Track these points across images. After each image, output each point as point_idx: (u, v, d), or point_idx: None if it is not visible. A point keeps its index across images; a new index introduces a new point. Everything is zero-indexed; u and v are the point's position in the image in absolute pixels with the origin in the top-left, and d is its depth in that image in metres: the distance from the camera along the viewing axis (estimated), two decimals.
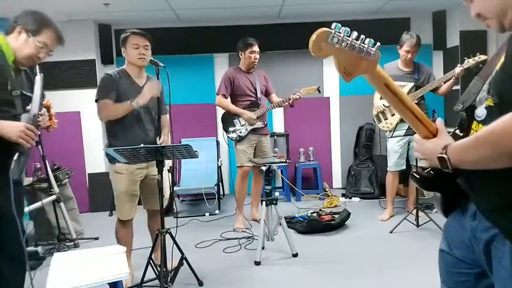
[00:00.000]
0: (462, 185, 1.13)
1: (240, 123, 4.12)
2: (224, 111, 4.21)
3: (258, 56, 4.14)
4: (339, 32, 1.00)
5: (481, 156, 0.97)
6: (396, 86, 1.11)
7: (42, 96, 2.14)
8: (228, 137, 4.17)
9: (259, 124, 4.12)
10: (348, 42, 1.01)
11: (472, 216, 1.12)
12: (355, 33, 1.02)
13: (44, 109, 2.18)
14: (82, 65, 5.19)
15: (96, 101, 2.85)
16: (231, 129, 4.14)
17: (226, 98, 4.12)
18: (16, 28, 2.10)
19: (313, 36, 1.01)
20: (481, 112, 1.10)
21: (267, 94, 4.30)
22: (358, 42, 1.02)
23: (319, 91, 4.14)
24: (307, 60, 5.62)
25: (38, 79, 2.14)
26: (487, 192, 1.06)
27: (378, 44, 1.05)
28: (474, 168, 1.01)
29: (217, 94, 4.17)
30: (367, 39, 1.03)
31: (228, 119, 4.16)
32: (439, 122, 1.16)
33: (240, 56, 4.18)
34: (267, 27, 5.47)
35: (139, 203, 3.00)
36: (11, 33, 2.11)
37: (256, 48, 4.11)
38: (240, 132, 4.10)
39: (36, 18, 2.13)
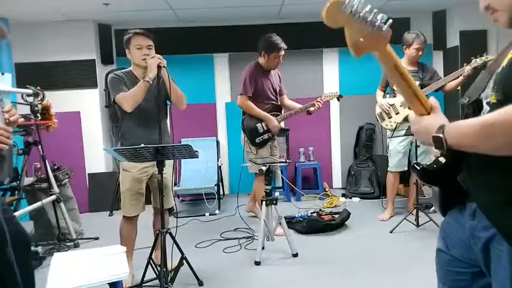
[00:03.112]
0: (463, 181, 1.12)
1: (263, 127, 3.97)
2: (244, 117, 4.05)
3: (281, 59, 3.96)
4: (353, 2, 0.98)
5: (483, 143, 0.96)
6: (403, 68, 1.10)
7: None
8: (251, 144, 4.01)
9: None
10: (361, 14, 0.98)
11: (471, 215, 1.12)
12: (368, 6, 0.99)
13: (9, 104, 1.94)
14: (82, 65, 5.19)
15: (113, 101, 2.85)
16: (256, 136, 4.00)
17: (251, 98, 3.93)
18: None
19: (327, 4, 0.99)
20: (485, 107, 1.09)
21: (279, 94, 4.20)
22: (371, 15, 0.99)
23: (338, 99, 4.12)
24: (307, 60, 5.63)
25: None
26: (489, 188, 1.05)
27: (390, 20, 1.01)
28: (472, 151, 1.00)
29: (241, 94, 3.93)
30: (380, 15, 1.00)
31: (251, 125, 3.99)
32: (433, 100, 1.15)
33: (263, 56, 3.94)
34: (267, 27, 5.45)
35: (148, 202, 3.02)
36: None
37: (283, 52, 3.89)
38: (264, 138, 4.00)
39: None
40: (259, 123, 3.99)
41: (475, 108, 1.15)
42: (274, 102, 4.08)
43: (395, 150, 4.19)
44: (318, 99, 3.97)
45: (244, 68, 4.06)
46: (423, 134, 1.13)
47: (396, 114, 4.09)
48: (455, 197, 1.18)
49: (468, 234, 1.13)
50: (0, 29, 2.00)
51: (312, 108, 3.99)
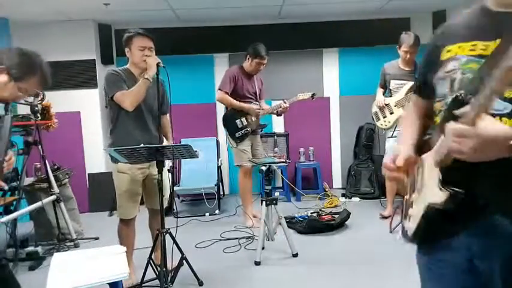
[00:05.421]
0: (475, 197, 1.03)
1: (242, 123, 4.15)
2: (225, 113, 4.24)
3: (263, 67, 4.19)
4: None
5: None
6: None
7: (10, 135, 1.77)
8: (231, 138, 4.18)
9: (260, 124, 4.22)
10: None
11: (482, 234, 1.05)
12: None
13: (10, 152, 1.81)
14: (82, 65, 5.19)
15: (111, 98, 2.78)
16: (236, 131, 4.16)
17: (230, 95, 4.13)
18: None
19: None
20: (501, 106, 1.01)
21: (259, 98, 4.35)
22: None
23: (312, 98, 4.22)
24: (307, 60, 5.64)
25: (7, 119, 1.78)
26: None
27: None
28: None
29: (220, 90, 4.15)
30: None
31: (231, 120, 4.17)
32: None
33: (247, 60, 4.18)
34: (267, 27, 5.47)
35: (141, 203, 3.01)
36: None
37: (265, 61, 4.14)
38: (243, 132, 4.15)
39: (23, 63, 1.78)
40: (239, 119, 4.15)
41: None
42: (253, 101, 4.24)
43: (392, 148, 4.22)
44: (285, 100, 4.16)
45: (229, 68, 4.29)
46: (492, 145, 0.89)
47: (391, 114, 4.18)
48: (441, 230, 1.11)
49: (467, 258, 1.08)
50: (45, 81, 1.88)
51: (280, 109, 4.20)
